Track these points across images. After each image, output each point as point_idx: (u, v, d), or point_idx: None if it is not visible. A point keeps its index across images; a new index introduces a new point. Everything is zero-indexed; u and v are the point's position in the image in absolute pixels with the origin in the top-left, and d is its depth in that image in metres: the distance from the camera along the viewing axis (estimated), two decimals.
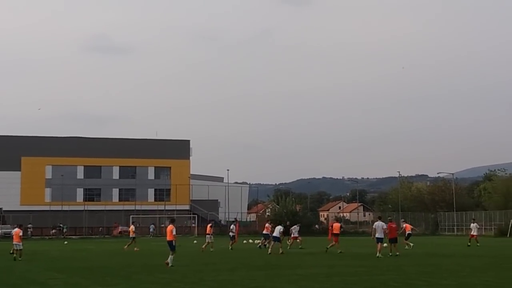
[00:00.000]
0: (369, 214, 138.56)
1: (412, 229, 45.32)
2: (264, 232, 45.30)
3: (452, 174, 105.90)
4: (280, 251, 35.66)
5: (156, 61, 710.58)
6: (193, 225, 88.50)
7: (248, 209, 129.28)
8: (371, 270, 23.47)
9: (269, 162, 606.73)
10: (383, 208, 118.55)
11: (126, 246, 42.65)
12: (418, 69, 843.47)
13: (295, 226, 46.90)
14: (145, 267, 26.17)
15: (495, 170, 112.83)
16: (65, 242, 60.67)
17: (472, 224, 50.31)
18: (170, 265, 25.29)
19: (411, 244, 40.90)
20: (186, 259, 30.50)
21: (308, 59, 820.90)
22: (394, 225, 33.74)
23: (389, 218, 37.46)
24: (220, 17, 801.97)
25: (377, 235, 32.44)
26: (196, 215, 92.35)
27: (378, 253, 31.67)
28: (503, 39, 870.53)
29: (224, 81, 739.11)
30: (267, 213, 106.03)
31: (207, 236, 41.60)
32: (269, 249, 36.43)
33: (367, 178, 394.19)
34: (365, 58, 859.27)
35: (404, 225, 45.48)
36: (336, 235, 37.72)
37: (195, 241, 57.90)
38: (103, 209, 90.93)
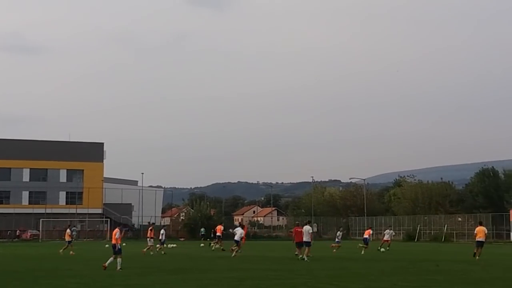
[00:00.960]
0: (283, 219, 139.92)
1: (369, 234, 46.52)
2: (218, 233, 47.19)
3: (364, 179, 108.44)
4: (233, 255, 36.06)
5: (70, 62, 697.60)
6: (105, 229, 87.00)
7: (162, 213, 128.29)
8: (283, 274, 23.70)
9: (184, 166, 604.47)
10: (297, 212, 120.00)
11: (61, 250, 41.38)
12: (332, 78, 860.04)
13: (238, 228, 47.76)
14: (54, 271, 25.59)
15: (404, 176, 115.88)
16: None
17: (387, 230, 52.22)
18: (118, 268, 25.12)
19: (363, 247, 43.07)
20: (97, 264, 30.01)
21: (224, 63, 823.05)
22: (300, 229, 34.41)
23: (296, 222, 38.30)
24: (138, 20, 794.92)
25: (304, 239, 33.25)
26: (108, 219, 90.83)
27: (300, 255, 32.68)
28: (416, 49, 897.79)
29: (140, 84, 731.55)
30: (181, 217, 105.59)
31: (148, 239, 41.81)
32: (233, 253, 36.78)
33: (282, 183, 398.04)
34: (282, 64, 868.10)
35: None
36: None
37: (106, 245, 57.04)
38: (12, 212, 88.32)
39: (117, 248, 26.03)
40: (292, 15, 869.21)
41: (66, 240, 43.11)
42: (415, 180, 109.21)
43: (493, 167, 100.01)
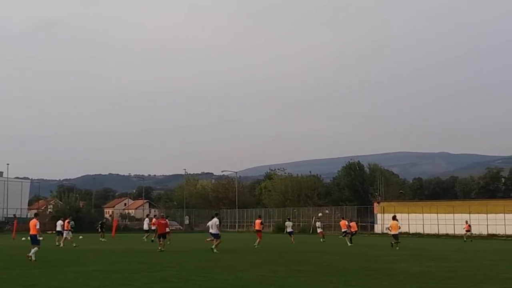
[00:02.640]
0: (155, 211, 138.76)
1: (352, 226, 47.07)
2: (153, 227, 45.58)
3: (236, 172, 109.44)
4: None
5: None
6: None
7: (29, 205, 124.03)
8: (152, 266, 23.55)
9: (52, 157, 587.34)
10: (169, 205, 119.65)
11: None
12: (198, 69, 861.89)
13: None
14: None
15: (275, 169, 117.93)
16: None
17: (318, 223, 54.35)
18: (33, 259, 25.10)
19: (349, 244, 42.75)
20: None
21: (95, 52, 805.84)
22: (163, 221, 34.96)
23: (161, 214, 38.75)
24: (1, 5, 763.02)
25: (212, 231, 33.66)
26: None
27: (214, 249, 32.76)
28: (274, 47, 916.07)
29: (4, 71, 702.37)
30: (49, 210, 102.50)
31: (65, 232, 41.27)
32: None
33: (154, 175, 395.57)
34: (154, 54, 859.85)
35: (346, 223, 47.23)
36: (258, 231, 40.04)
37: None
38: None
39: (36, 238, 26.15)
40: (161, 8, 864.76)
41: None
42: (285, 173, 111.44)
43: (359, 161, 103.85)
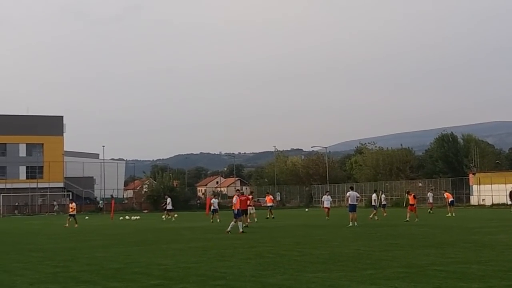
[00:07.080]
0: (246, 188, 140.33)
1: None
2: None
3: (325, 147, 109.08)
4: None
5: (24, 35, 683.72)
6: (73, 203, 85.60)
7: (124, 186, 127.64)
8: (247, 242, 23.74)
9: (146, 138, 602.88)
10: (260, 182, 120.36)
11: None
12: (290, 49, 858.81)
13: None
14: (15, 245, 25.22)
15: (365, 143, 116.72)
16: None
17: (429, 193, 55.72)
18: (240, 230, 28.84)
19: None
20: (59, 237, 29.74)
21: (178, 34, 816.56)
22: (243, 198, 35.76)
23: (240, 191, 39.52)
24: None
25: (350, 203, 34.82)
26: (70, 193, 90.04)
27: (350, 222, 33.87)
28: (369, 19, 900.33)
29: (96, 56, 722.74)
30: (144, 189, 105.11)
31: (249, 208, 41.69)
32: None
33: (244, 153, 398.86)
34: (240, 37, 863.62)
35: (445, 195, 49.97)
36: (412, 205, 40.83)
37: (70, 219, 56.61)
38: None
39: (238, 212, 29.69)
40: None
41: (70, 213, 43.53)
42: (375, 147, 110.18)
43: (452, 132, 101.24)
